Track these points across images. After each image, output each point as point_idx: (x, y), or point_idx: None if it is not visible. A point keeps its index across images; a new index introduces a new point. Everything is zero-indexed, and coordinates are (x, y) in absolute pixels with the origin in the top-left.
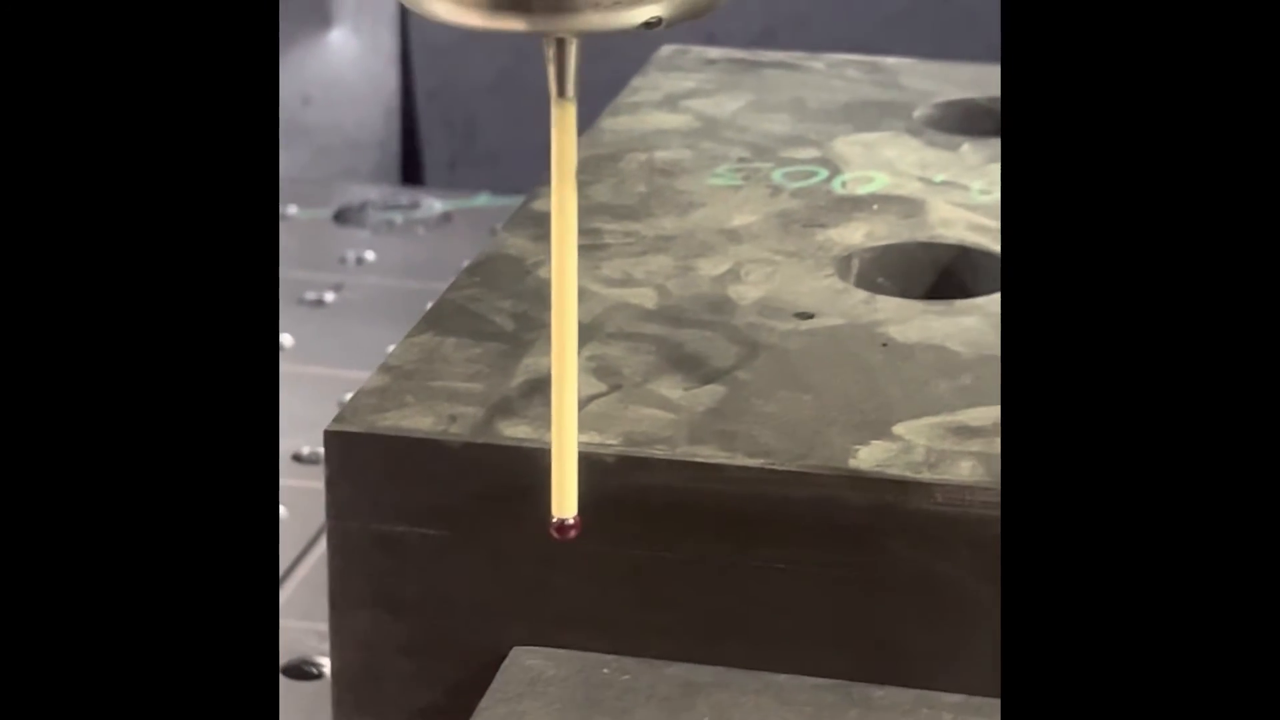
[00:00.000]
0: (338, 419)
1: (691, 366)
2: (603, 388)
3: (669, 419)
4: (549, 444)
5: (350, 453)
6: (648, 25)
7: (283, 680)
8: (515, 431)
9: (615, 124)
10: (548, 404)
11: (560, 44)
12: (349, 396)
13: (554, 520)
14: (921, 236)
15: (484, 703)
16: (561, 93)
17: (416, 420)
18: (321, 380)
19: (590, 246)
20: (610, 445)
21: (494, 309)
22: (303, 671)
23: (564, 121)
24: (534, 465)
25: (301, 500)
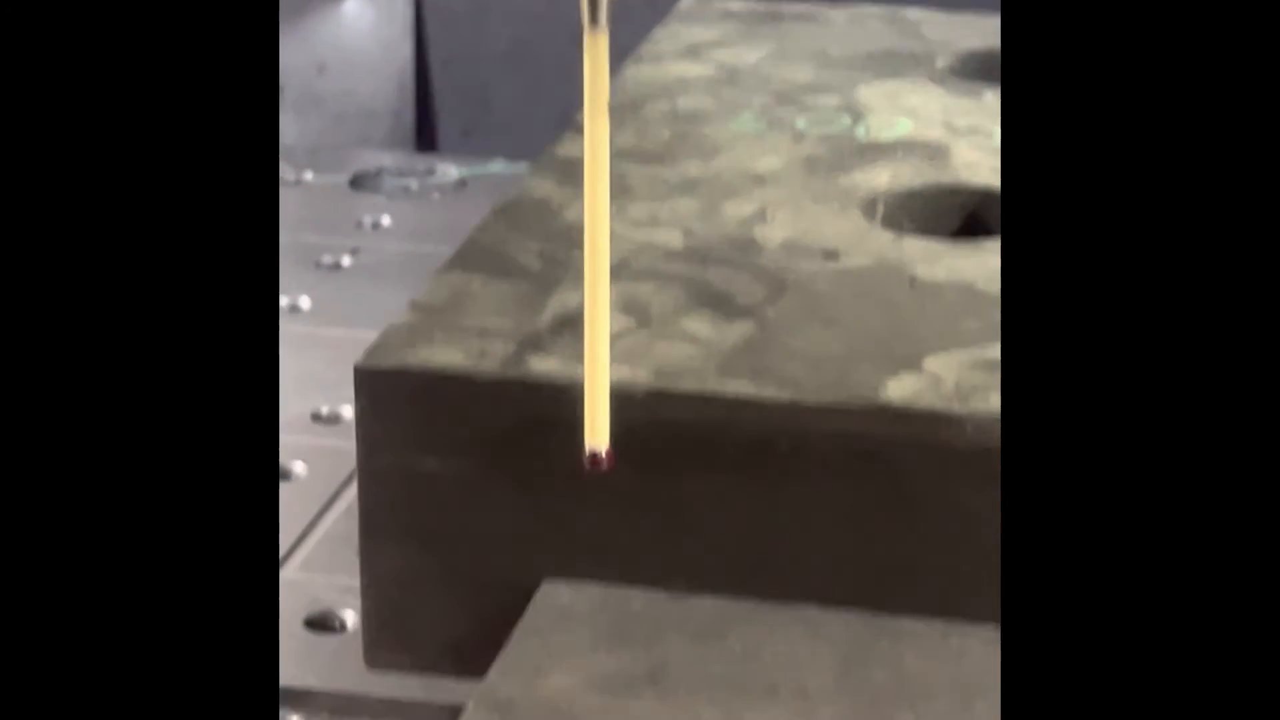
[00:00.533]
0: (368, 354)
1: (719, 304)
2: (631, 324)
3: (698, 354)
4: (579, 378)
5: (381, 388)
6: None
7: (306, 634)
8: (545, 366)
9: (638, 73)
10: (577, 339)
11: None
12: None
13: (587, 451)
14: (946, 180)
15: (514, 636)
16: (594, 20)
17: (447, 355)
18: (339, 342)
19: (615, 190)
20: (639, 379)
21: (521, 249)
22: (326, 624)
23: (596, 52)
24: (564, 399)
25: (321, 458)
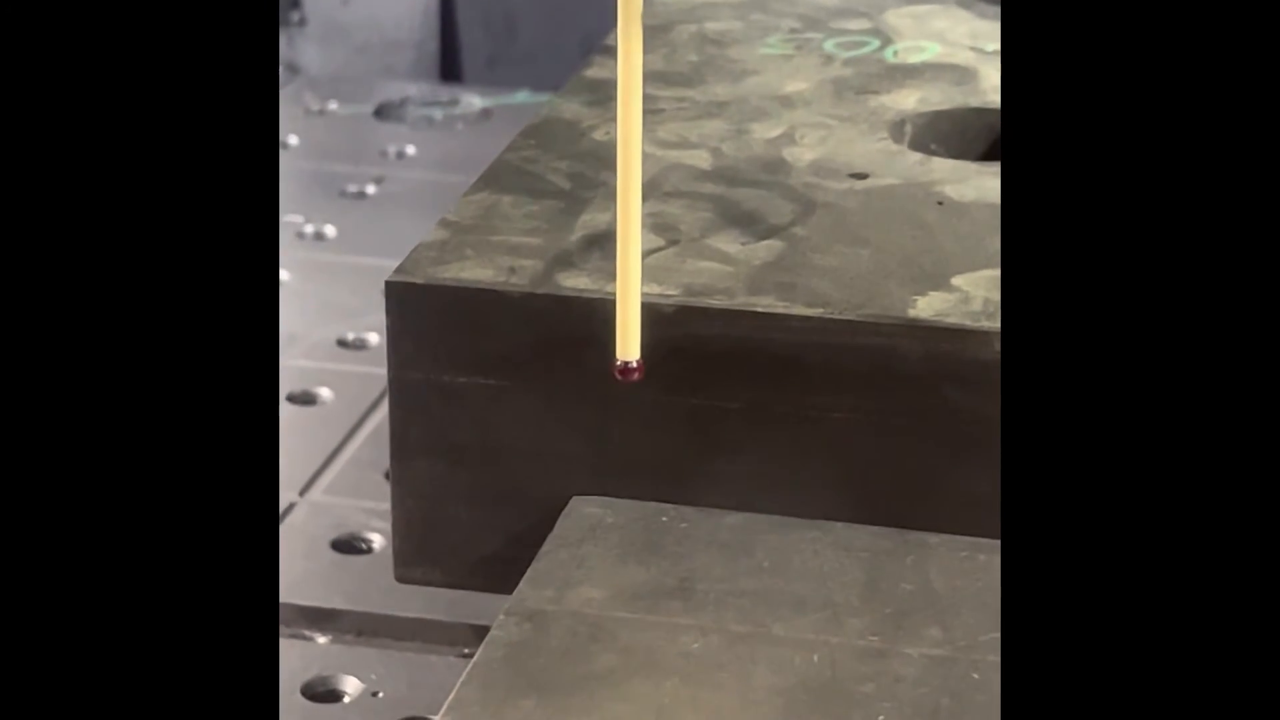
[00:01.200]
0: (399, 270)
1: (748, 223)
2: (661, 242)
3: (727, 271)
4: (608, 294)
5: (411, 304)
6: None
7: (334, 555)
8: (575, 282)
9: None
10: (606, 257)
11: None
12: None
13: (618, 363)
14: (974, 102)
15: (545, 548)
16: None
17: (477, 272)
18: (363, 269)
19: (644, 112)
20: (670, 295)
21: (550, 169)
22: (353, 546)
23: None
24: (593, 315)
25: (347, 383)
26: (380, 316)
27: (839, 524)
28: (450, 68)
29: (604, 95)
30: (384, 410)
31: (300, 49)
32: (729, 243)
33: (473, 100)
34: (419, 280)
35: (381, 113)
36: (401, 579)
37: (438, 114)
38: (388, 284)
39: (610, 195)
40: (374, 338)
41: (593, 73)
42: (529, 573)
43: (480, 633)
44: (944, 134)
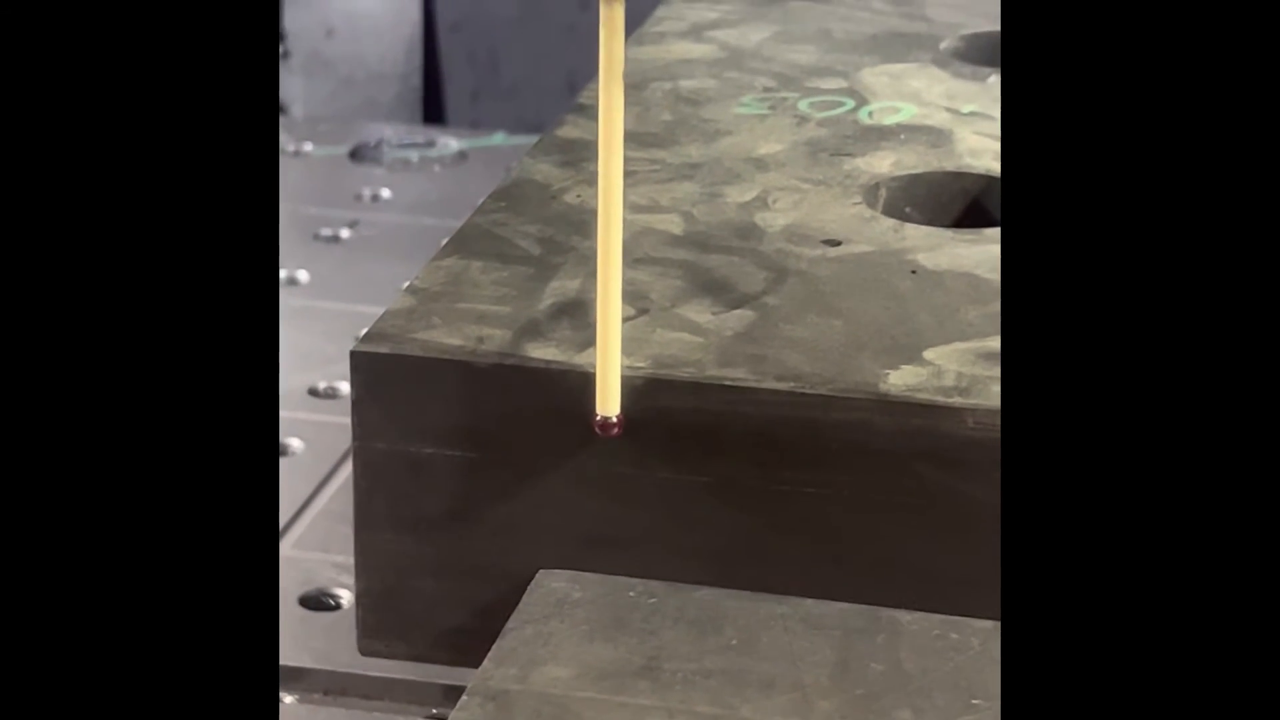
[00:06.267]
0: (365, 339)
1: (720, 291)
2: (631, 311)
3: (698, 342)
4: (577, 365)
5: (378, 373)
6: None
7: (301, 611)
8: (543, 352)
9: (639, 53)
10: (575, 326)
11: None
12: (364, 332)
13: (597, 418)
14: (949, 166)
15: (510, 624)
16: None
17: (444, 340)
18: (337, 315)
19: None
20: (639, 367)
21: (520, 233)
22: (321, 603)
23: (613, 22)
24: (562, 386)
25: (318, 434)
26: None
27: (809, 601)
28: (433, 102)
29: (576, 156)
30: None
31: (284, 82)
32: (700, 312)
33: (449, 142)
34: (385, 350)
35: (357, 154)
36: (365, 651)
37: (414, 156)
38: (353, 353)
39: (580, 261)
40: (346, 387)
41: (565, 132)
42: (493, 650)
43: (450, 693)
44: (919, 198)
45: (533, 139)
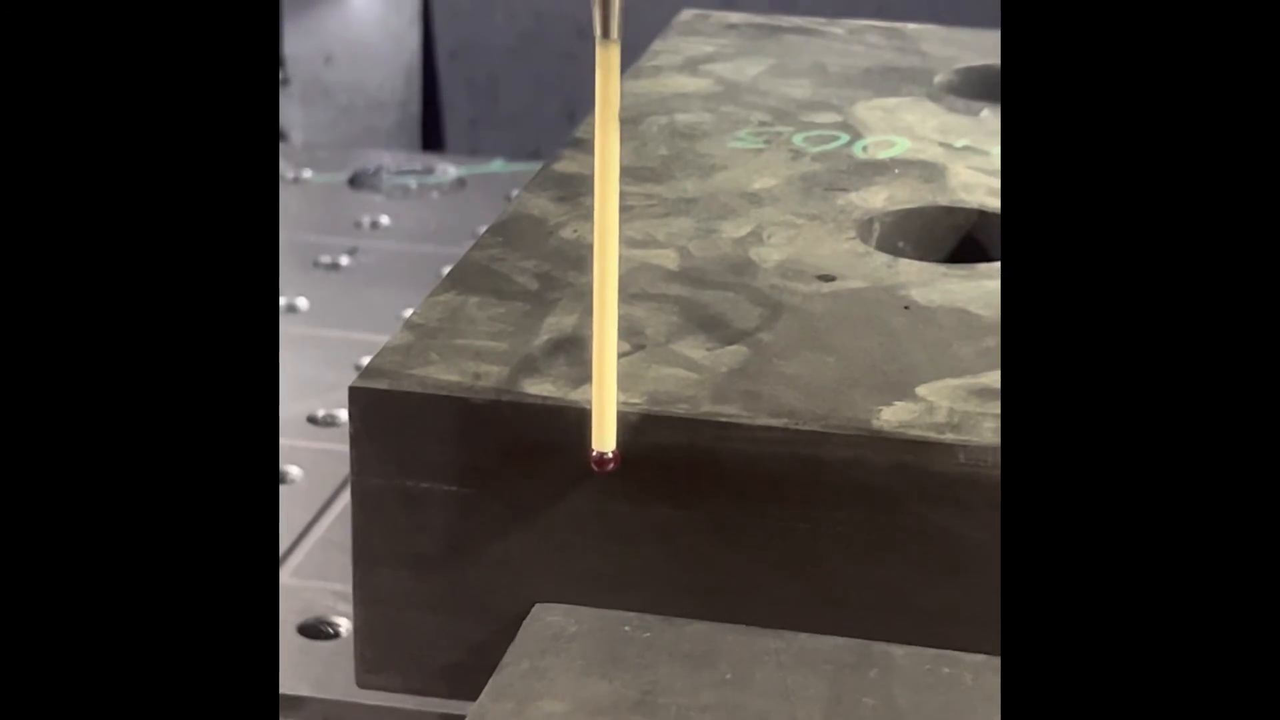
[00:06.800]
0: (363, 375)
1: (714, 327)
2: (626, 347)
3: (692, 378)
4: (573, 401)
5: (375, 409)
6: None
7: (300, 640)
8: (540, 389)
9: (635, 88)
10: (572, 362)
11: None
12: (363, 360)
13: (593, 453)
14: (943, 201)
15: (506, 659)
16: (606, 33)
17: (442, 377)
18: (336, 343)
19: None
20: (634, 404)
21: (517, 269)
22: (319, 631)
23: (608, 63)
24: (559, 422)
25: (317, 461)
26: None
27: (802, 635)
28: (432, 129)
29: (572, 191)
30: None
31: (283, 109)
32: (695, 348)
33: (447, 169)
34: (383, 385)
35: (356, 181)
36: (363, 684)
37: (412, 183)
38: (351, 389)
39: (576, 297)
40: (345, 415)
41: (561, 166)
42: (489, 685)
43: None
44: (912, 233)
45: (532, 166)
